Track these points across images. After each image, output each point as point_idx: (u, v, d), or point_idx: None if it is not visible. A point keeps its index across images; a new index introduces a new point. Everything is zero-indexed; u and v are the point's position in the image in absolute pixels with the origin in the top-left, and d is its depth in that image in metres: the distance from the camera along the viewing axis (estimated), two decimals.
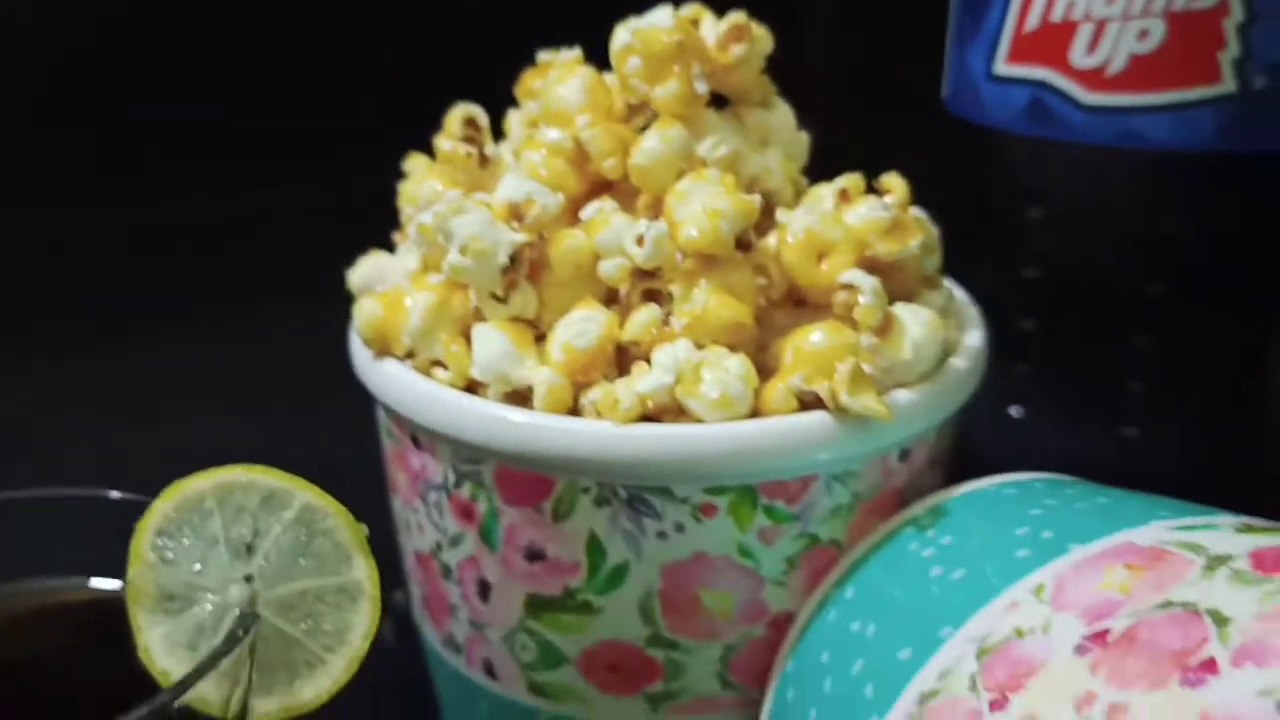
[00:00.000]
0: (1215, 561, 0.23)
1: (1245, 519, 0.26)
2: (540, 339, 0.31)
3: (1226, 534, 0.24)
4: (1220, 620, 0.21)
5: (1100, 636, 0.22)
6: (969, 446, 0.40)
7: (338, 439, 0.40)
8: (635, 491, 0.29)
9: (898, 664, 0.26)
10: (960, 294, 0.36)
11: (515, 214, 0.31)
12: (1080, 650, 0.22)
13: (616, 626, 0.31)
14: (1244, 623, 0.21)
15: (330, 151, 0.54)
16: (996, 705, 0.23)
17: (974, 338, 0.33)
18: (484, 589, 0.32)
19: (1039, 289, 0.45)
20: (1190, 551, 0.24)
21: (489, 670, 0.33)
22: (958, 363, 0.32)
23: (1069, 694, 0.21)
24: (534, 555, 0.31)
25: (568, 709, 0.32)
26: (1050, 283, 0.45)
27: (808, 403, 0.29)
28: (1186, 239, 0.43)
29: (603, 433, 0.29)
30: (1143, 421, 0.46)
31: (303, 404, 0.49)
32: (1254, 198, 0.43)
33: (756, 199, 0.31)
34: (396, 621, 0.45)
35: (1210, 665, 0.20)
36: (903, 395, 0.30)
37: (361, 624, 0.27)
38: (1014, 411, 0.47)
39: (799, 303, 0.32)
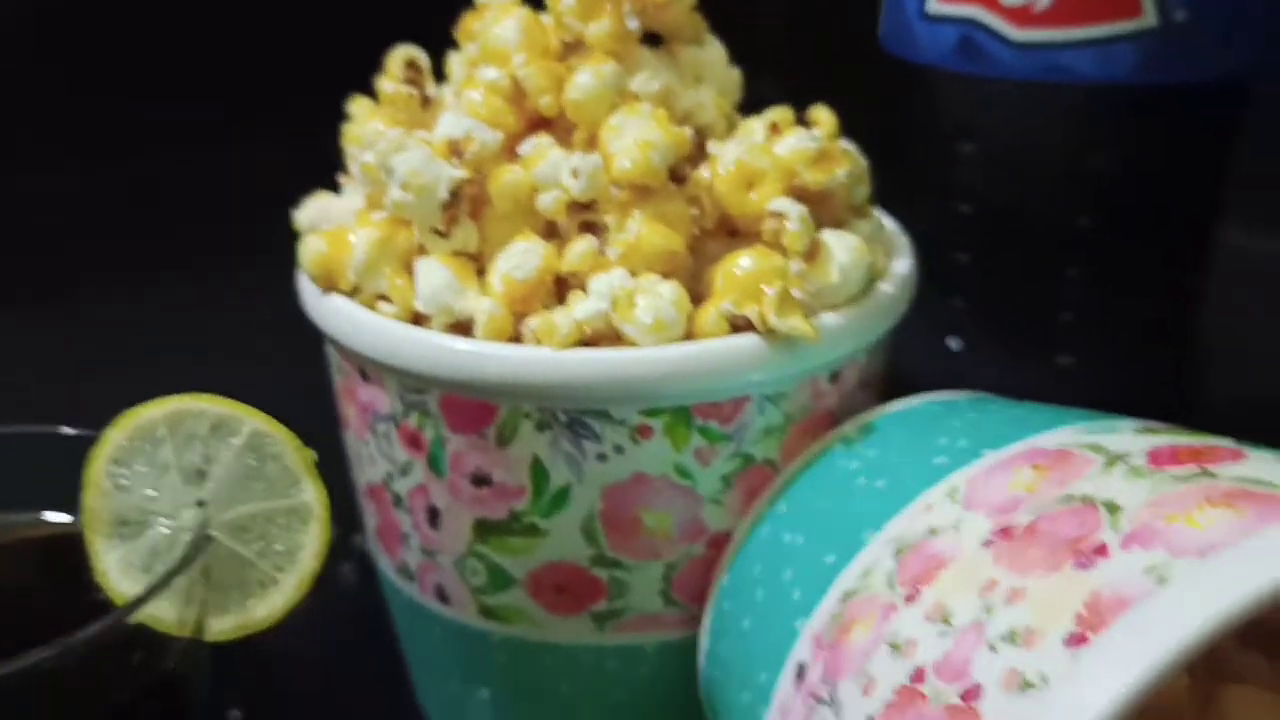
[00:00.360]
0: (1114, 459, 0.24)
1: (1149, 423, 0.27)
2: (482, 272, 0.32)
3: (1127, 435, 0.26)
4: (1113, 509, 0.22)
5: (1005, 531, 0.24)
6: (908, 378, 0.41)
7: (294, 385, 0.40)
8: (575, 415, 0.30)
9: (823, 568, 0.27)
10: (890, 223, 0.37)
11: (455, 150, 0.32)
12: (987, 544, 0.24)
13: (561, 548, 0.32)
14: (1134, 511, 0.22)
15: (279, 103, 0.55)
16: (910, 598, 0.24)
17: (902, 264, 0.34)
18: (433, 516, 0.33)
19: (973, 223, 0.47)
20: (1092, 451, 0.25)
21: (441, 596, 0.34)
22: (885, 288, 0.33)
23: (974, 583, 0.23)
24: (480, 480, 0.32)
25: (518, 630, 0.34)
26: (984, 217, 0.46)
27: (739, 327, 0.31)
28: (1113, 173, 0.45)
29: (541, 358, 0.30)
30: (1076, 351, 0.47)
31: (261, 352, 0.50)
32: (1176, 130, 0.45)
33: (688, 131, 0.32)
34: (357, 562, 0.46)
35: (1102, 549, 0.22)
36: (830, 318, 0.31)
37: (311, 544, 0.28)
38: (952, 343, 0.48)
39: (733, 233, 0.33)
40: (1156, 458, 0.24)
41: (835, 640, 0.25)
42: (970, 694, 0.21)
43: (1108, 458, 0.25)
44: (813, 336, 0.30)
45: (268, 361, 0.45)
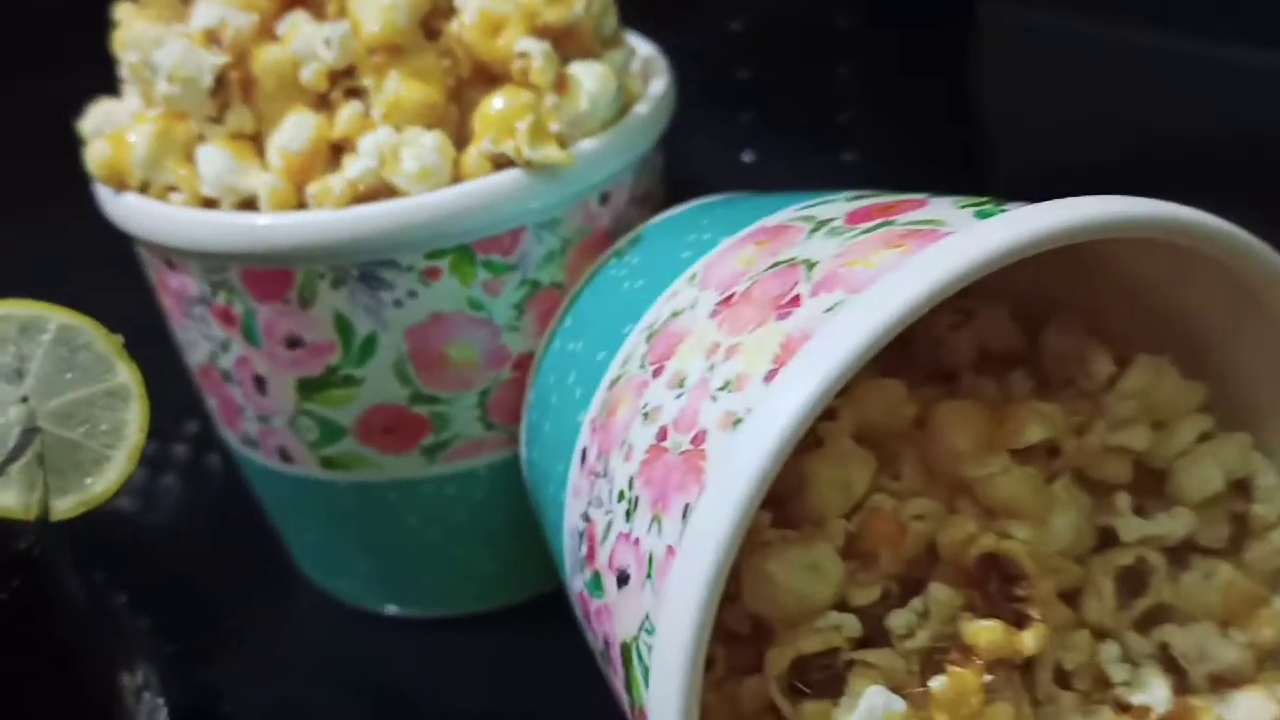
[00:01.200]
0: (819, 225, 0.28)
1: (862, 193, 0.30)
2: (263, 151, 0.34)
3: (837, 204, 0.29)
4: (809, 266, 0.26)
5: (728, 300, 0.27)
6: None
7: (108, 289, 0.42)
8: (365, 268, 0.33)
9: (596, 364, 0.30)
10: (647, 49, 0.39)
11: (213, 39, 0.34)
12: (713, 315, 0.27)
13: (379, 392, 0.35)
14: (825, 264, 0.25)
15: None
16: (656, 373, 0.27)
17: (657, 86, 0.37)
18: (260, 383, 0.36)
19: (746, 39, 0.49)
20: (804, 221, 0.28)
21: (284, 456, 0.37)
22: (640, 109, 0.36)
23: (702, 348, 0.26)
24: (293, 343, 0.34)
25: (360, 475, 0.37)
26: (755, 31, 0.49)
27: (502, 164, 0.33)
28: None
29: (322, 220, 0.32)
30: (858, 146, 0.50)
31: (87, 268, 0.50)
32: None
33: None
34: (220, 452, 0.49)
35: (796, 300, 0.25)
36: (587, 144, 0.34)
37: (134, 419, 0.30)
38: (745, 157, 0.51)
39: (491, 79, 0.35)
40: (853, 218, 0.27)
41: (605, 423, 0.28)
42: (698, 439, 0.24)
43: (815, 225, 0.28)
44: (567, 162, 0.33)
45: (95, 278, 0.47)
